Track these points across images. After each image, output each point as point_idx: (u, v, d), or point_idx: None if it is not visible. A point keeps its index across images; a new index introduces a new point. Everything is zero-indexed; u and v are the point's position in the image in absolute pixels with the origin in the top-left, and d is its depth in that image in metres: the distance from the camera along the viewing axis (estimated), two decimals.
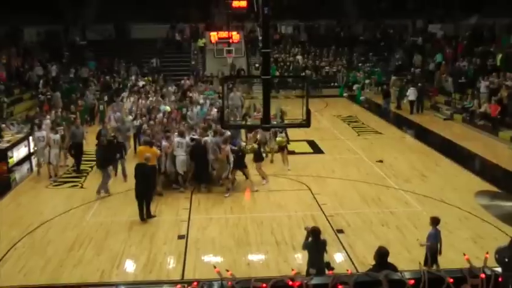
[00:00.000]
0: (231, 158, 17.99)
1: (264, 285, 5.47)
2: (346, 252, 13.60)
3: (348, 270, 6.30)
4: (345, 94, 41.43)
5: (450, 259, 11.33)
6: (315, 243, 10.88)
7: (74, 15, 47.31)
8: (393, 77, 40.67)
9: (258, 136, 20.41)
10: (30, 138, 22.01)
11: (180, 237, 14.85)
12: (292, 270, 5.88)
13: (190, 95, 28.99)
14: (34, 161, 21.42)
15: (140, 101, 27.55)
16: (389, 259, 8.82)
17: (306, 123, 10.32)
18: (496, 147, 24.85)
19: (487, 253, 5.76)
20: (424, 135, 27.87)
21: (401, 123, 31.14)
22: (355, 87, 41.17)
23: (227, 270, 5.75)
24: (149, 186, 16.27)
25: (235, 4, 35.29)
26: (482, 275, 5.48)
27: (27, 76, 36.92)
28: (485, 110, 28.36)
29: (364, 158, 22.77)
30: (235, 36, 42.43)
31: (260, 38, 30.76)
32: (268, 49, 10.16)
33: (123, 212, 16.71)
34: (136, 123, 22.36)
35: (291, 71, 43.93)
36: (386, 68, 44.67)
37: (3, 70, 34.33)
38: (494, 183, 18.94)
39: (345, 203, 17.30)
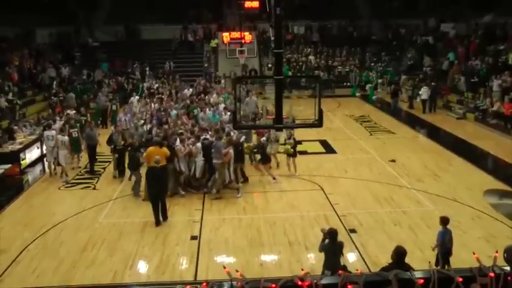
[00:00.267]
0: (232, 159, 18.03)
1: (274, 285, 5.50)
2: (359, 252, 13.57)
3: (357, 270, 6.30)
4: (357, 94, 41.43)
5: (462, 259, 11.30)
6: (331, 245, 10.77)
7: (85, 17, 47.53)
8: (403, 76, 40.62)
9: (263, 139, 20.17)
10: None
11: (193, 238, 14.85)
12: (302, 270, 5.90)
13: (206, 97, 28.63)
14: (46, 162, 21.49)
15: (151, 104, 27.29)
16: None
17: (318, 123, 10.35)
18: (508, 146, 24.67)
19: (497, 252, 5.76)
20: (436, 134, 27.78)
21: (413, 122, 31.03)
22: (367, 87, 41.15)
23: (237, 271, 5.77)
24: (162, 188, 16.20)
25: (247, 5, 35.31)
26: (492, 274, 5.48)
27: (39, 78, 37.02)
28: (497, 108, 28.24)
29: (376, 157, 22.73)
30: (248, 36, 42.49)
31: (272, 38, 30.73)
32: (280, 49, 10.21)
33: (136, 213, 16.76)
34: (147, 127, 22.19)
35: (304, 71, 43.87)
36: (399, 68, 44.56)
37: (15, 72, 34.41)
38: (507, 182, 18.93)
39: (358, 203, 17.28)
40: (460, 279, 5.45)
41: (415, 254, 12.49)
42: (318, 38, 49.21)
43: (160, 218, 15.87)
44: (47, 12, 42.51)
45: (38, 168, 21.70)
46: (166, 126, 20.67)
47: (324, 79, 40.63)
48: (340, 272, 6.00)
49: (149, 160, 16.44)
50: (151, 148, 17.19)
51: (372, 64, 45.95)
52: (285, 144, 20.67)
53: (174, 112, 24.24)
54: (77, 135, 21.90)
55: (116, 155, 20.37)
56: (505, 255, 6.14)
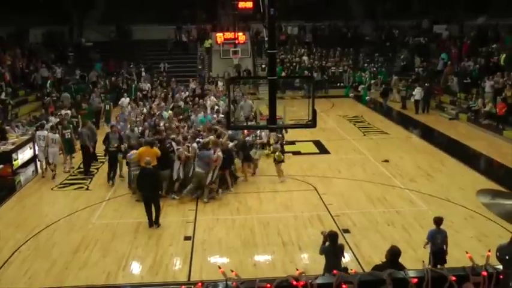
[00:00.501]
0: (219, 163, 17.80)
1: (269, 285, 5.50)
2: (352, 252, 13.56)
3: (351, 270, 6.31)
4: (350, 94, 41.51)
5: (456, 258, 11.30)
6: (332, 248, 10.70)
7: (79, 17, 47.43)
8: (394, 77, 40.76)
9: (247, 138, 20.12)
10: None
11: (187, 238, 14.82)
12: (297, 270, 5.90)
13: (201, 101, 28.04)
14: (39, 163, 21.42)
15: (143, 108, 26.90)
16: None
17: (312, 123, 10.37)
18: (501, 146, 24.81)
19: (489, 251, 5.79)
20: (429, 134, 27.85)
21: (406, 123, 31.07)
22: (360, 87, 41.21)
23: (232, 271, 5.77)
24: (155, 189, 15.96)
25: (241, 5, 35.38)
26: (484, 273, 5.50)
27: (32, 77, 36.77)
28: (490, 109, 28.35)
29: (370, 158, 22.76)
30: (242, 37, 42.60)
31: (266, 38, 30.75)
32: (274, 50, 10.22)
33: (129, 214, 16.71)
34: (138, 129, 21.81)
35: (297, 71, 43.89)
36: (392, 69, 44.68)
37: (8, 71, 34.14)
38: (499, 182, 19.02)
39: (351, 203, 17.30)
40: (454, 278, 5.47)
41: (408, 254, 12.49)
42: (311, 39, 49.23)
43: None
44: (42, 12, 42.42)
45: (31, 168, 21.55)
46: (162, 127, 20.50)
47: (318, 80, 40.61)
48: (334, 272, 6.00)
49: (140, 161, 16.40)
50: (142, 148, 17.09)
51: (365, 65, 46.06)
52: (270, 148, 20.62)
53: (165, 114, 24.03)
54: (70, 136, 21.82)
55: (107, 157, 20.36)
56: (498, 254, 6.18)
